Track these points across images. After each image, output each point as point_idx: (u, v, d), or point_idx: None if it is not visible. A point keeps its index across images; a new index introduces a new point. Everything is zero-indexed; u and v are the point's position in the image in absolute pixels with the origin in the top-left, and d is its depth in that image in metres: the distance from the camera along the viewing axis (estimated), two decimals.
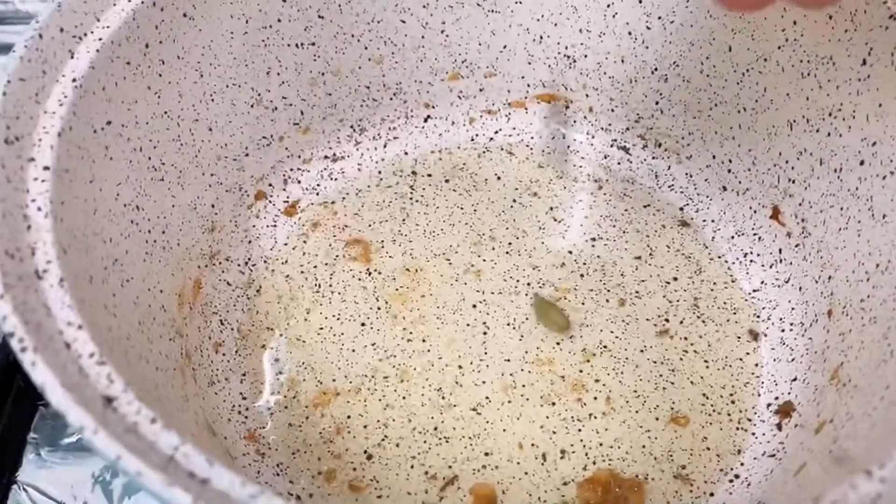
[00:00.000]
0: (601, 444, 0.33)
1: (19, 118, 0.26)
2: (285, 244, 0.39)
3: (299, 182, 0.41)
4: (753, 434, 0.34)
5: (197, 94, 0.35)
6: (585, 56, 0.41)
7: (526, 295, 0.38)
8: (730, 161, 0.40)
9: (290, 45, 0.38)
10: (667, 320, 0.37)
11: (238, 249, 0.38)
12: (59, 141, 0.27)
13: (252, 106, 0.38)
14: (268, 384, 0.35)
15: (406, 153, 0.43)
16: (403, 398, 0.34)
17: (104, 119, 0.30)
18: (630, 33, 0.39)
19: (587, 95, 0.42)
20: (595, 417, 0.34)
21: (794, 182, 0.36)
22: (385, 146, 0.43)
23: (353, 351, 0.36)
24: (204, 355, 0.34)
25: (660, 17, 0.38)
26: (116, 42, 0.30)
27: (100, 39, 0.30)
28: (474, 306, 0.37)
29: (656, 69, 0.40)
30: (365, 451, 0.33)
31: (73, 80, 0.28)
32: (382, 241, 0.40)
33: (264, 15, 0.37)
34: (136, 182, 0.32)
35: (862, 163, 0.33)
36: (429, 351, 0.36)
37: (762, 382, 0.35)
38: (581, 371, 0.35)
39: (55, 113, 0.27)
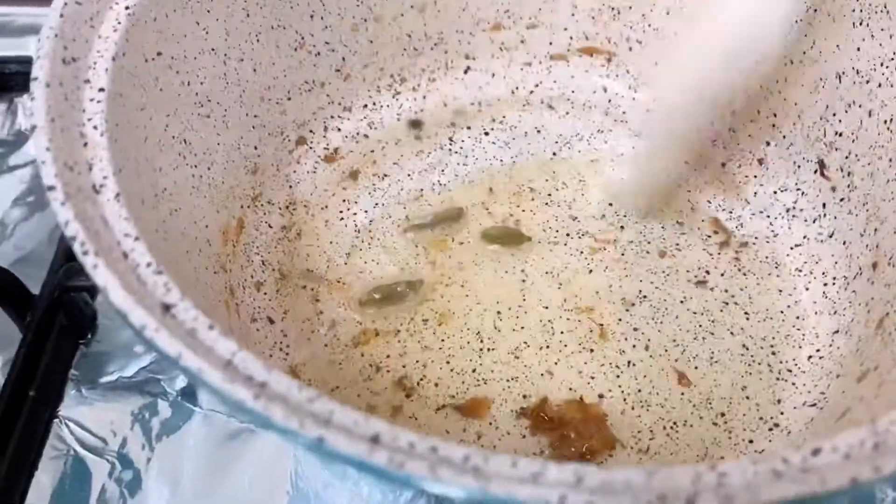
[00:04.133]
0: (639, 391, 0.33)
1: (76, 40, 0.27)
2: (325, 190, 0.40)
3: (339, 130, 0.41)
4: (794, 384, 0.33)
5: (243, 32, 0.35)
6: (630, 7, 0.41)
7: (565, 244, 0.38)
8: (774, 115, 0.39)
9: None
10: (707, 272, 0.37)
11: (279, 193, 0.38)
12: (113, 65, 0.27)
13: (295, 49, 0.38)
14: (307, 323, 0.35)
15: (445, 104, 0.43)
16: (442, 340, 0.35)
17: (155, 49, 0.30)
18: None
19: (630, 49, 0.42)
20: (633, 364, 0.34)
21: (840, 135, 0.36)
22: (424, 97, 0.43)
23: None
24: (246, 293, 0.35)
25: None
26: None
27: None
28: (513, 255, 0.37)
29: None
30: (404, 390, 0.33)
31: (126, 8, 0.29)
32: (422, 190, 0.40)
33: None
34: (183, 116, 0.32)
35: None
36: (467, 296, 0.36)
37: (803, 335, 0.35)
38: (620, 320, 0.35)
39: (109, 38, 0.28)
